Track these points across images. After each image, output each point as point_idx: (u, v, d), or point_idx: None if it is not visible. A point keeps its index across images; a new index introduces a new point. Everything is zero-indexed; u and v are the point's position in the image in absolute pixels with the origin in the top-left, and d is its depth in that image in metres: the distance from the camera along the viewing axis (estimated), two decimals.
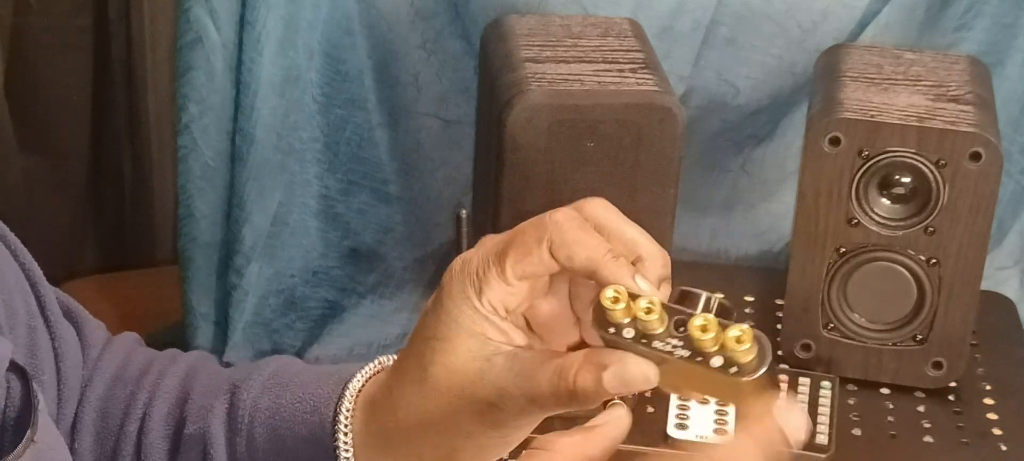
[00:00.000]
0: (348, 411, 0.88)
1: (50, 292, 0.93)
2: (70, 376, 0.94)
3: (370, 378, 0.90)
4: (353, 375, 0.90)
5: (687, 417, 1.26)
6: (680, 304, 0.79)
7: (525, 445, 0.81)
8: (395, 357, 0.89)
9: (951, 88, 1.33)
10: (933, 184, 1.28)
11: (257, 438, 0.91)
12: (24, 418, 0.81)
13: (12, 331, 0.87)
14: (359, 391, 0.89)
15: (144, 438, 0.95)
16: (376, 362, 0.91)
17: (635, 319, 0.78)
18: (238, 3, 1.53)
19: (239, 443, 0.92)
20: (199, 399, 0.95)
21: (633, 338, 0.78)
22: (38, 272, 0.92)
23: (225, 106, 1.57)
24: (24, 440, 0.78)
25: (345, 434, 0.88)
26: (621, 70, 1.30)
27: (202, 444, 0.93)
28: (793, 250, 1.33)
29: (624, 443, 0.78)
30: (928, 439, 1.29)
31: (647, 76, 1.30)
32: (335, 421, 0.88)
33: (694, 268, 1.53)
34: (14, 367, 0.82)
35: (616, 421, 0.78)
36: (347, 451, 0.88)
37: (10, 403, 0.82)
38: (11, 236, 0.91)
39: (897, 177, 1.29)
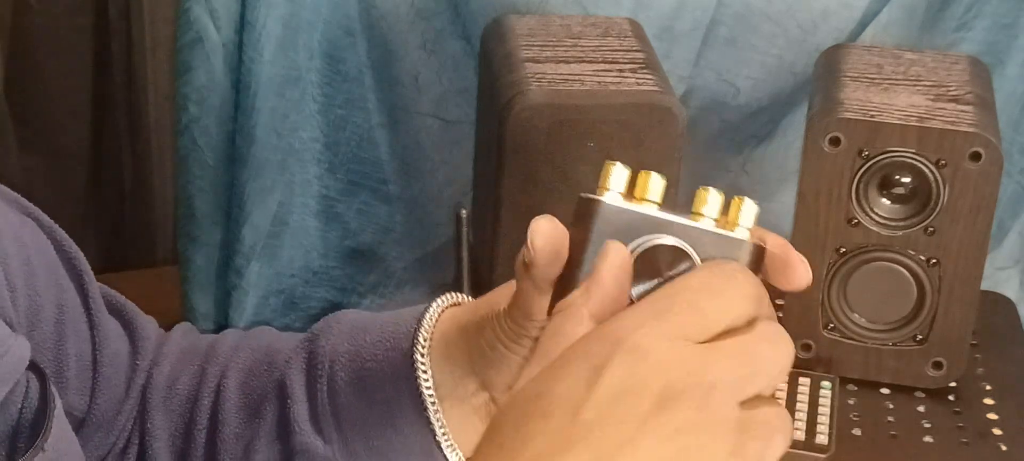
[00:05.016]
0: (426, 339, 0.88)
1: (95, 284, 0.93)
2: (108, 366, 0.93)
3: (446, 308, 0.90)
4: (429, 306, 0.90)
5: None
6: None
7: None
8: (467, 298, 0.91)
9: (951, 88, 1.33)
10: (933, 184, 1.27)
11: (338, 381, 0.91)
12: (40, 420, 0.81)
13: (35, 329, 0.87)
14: (438, 318, 0.89)
15: (220, 407, 0.94)
16: (451, 296, 0.92)
17: None
18: (238, 3, 1.53)
19: (320, 388, 0.92)
20: (274, 358, 0.94)
21: None
22: (85, 263, 0.92)
23: (225, 106, 1.57)
24: (33, 447, 0.78)
25: (422, 359, 0.88)
26: (621, 70, 1.30)
27: (281, 395, 0.93)
28: None
29: None
30: (928, 439, 1.29)
31: (647, 76, 1.30)
32: (412, 350, 0.88)
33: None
34: (34, 368, 0.82)
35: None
36: (426, 377, 0.88)
37: (27, 404, 0.82)
38: (57, 228, 0.91)
39: (897, 177, 1.29)
